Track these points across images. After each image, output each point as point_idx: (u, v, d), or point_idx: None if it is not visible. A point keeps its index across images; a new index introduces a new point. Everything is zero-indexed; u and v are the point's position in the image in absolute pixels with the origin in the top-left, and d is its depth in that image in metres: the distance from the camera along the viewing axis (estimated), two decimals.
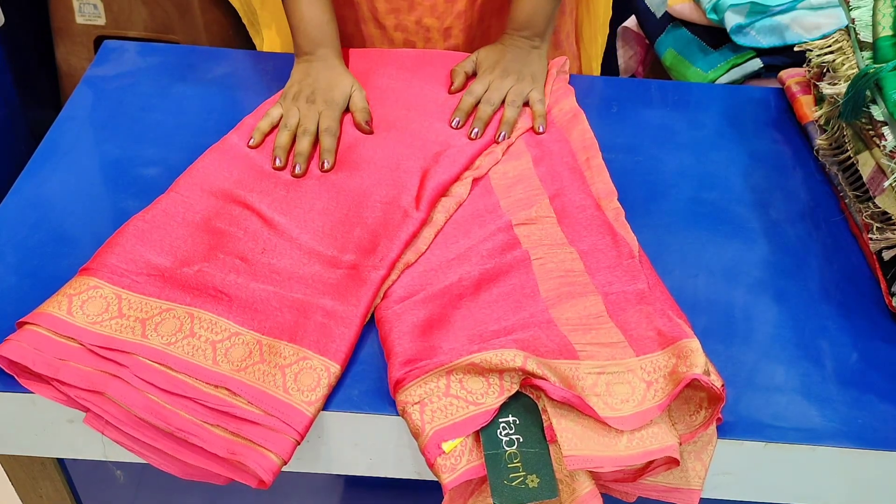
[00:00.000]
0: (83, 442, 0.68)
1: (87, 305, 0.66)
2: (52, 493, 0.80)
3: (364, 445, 0.67)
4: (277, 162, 0.83)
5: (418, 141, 0.87)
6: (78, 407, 0.63)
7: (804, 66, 0.97)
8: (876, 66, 0.76)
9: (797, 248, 0.81)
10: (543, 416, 0.62)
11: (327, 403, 0.64)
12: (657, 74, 1.43)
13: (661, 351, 0.65)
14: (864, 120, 0.77)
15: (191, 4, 1.64)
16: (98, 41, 1.71)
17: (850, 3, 0.86)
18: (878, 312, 0.75)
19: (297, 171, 0.82)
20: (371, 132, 0.88)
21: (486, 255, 0.75)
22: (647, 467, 0.62)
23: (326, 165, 0.83)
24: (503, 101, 0.92)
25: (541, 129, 0.90)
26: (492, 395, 0.63)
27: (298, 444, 0.61)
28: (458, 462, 0.60)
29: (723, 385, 0.65)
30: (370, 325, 0.70)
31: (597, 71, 1.18)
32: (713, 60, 1.23)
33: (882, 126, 0.74)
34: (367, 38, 1.04)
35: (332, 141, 0.85)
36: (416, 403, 0.62)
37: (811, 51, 0.93)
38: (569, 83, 0.99)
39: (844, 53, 0.86)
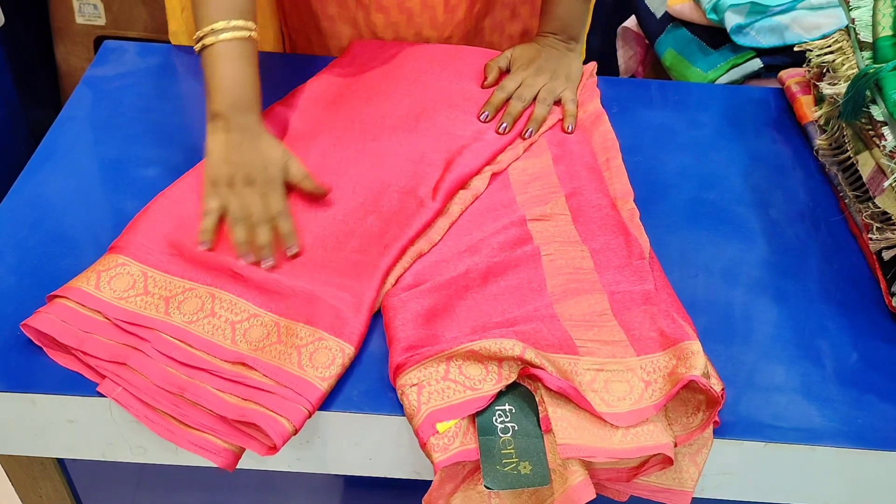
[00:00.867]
0: (83, 442, 0.68)
1: (114, 281, 0.69)
2: (52, 493, 0.80)
3: (364, 445, 0.67)
4: (248, 259, 0.72)
5: (444, 135, 0.87)
6: (97, 378, 0.65)
7: (804, 66, 0.97)
8: (876, 66, 0.76)
9: (797, 248, 0.81)
10: (540, 407, 0.63)
11: (327, 403, 0.64)
12: (657, 74, 1.43)
13: (662, 352, 0.65)
14: (864, 120, 0.77)
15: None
16: (98, 41, 1.71)
17: (850, 3, 0.86)
18: (878, 312, 0.75)
19: (270, 264, 0.72)
20: (326, 193, 0.79)
21: (497, 248, 0.75)
22: (642, 466, 0.63)
23: (295, 250, 0.74)
24: (534, 98, 0.92)
25: (570, 129, 0.90)
26: (489, 381, 0.63)
27: (310, 415, 0.62)
28: (450, 443, 0.60)
29: (723, 389, 0.65)
30: (372, 325, 0.70)
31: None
32: (713, 60, 1.23)
33: (882, 126, 0.74)
34: None
35: (290, 223, 0.75)
36: (413, 385, 0.63)
37: (811, 51, 0.93)
38: (596, 86, 0.99)
39: (844, 53, 0.86)
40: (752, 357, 0.70)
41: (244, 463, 0.66)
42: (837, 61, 0.86)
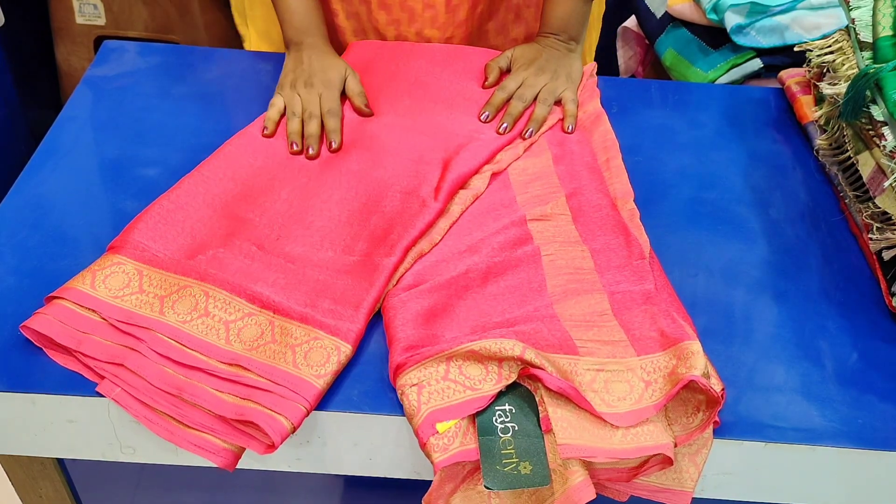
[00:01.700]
0: (83, 442, 0.68)
1: (109, 280, 0.69)
2: (52, 493, 0.80)
3: (364, 445, 0.67)
4: (294, 147, 0.85)
5: (443, 133, 0.88)
6: (97, 378, 0.65)
7: (804, 66, 0.97)
8: (876, 66, 0.76)
9: (797, 248, 0.81)
10: (540, 407, 0.63)
11: (327, 403, 0.64)
12: (657, 74, 1.43)
13: (663, 352, 0.65)
14: (864, 120, 0.77)
15: (191, 4, 1.64)
16: (98, 41, 1.71)
17: (850, 3, 0.86)
18: (878, 312, 0.75)
19: (311, 153, 0.85)
20: (371, 114, 0.90)
21: (497, 248, 0.75)
22: (642, 466, 0.63)
23: (334, 145, 0.86)
24: (535, 99, 0.92)
25: (570, 129, 0.90)
26: (489, 381, 0.63)
27: (308, 413, 0.62)
28: (450, 443, 0.60)
29: (723, 389, 0.65)
30: (372, 325, 0.70)
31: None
32: (713, 60, 1.23)
33: (882, 126, 0.74)
34: None
35: (336, 121, 0.87)
36: (413, 385, 0.63)
37: (811, 51, 0.93)
38: (596, 86, 0.99)
39: (844, 53, 0.86)
40: (752, 357, 0.70)
41: (244, 463, 0.66)
42: (837, 61, 0.86)
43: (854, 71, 0.82)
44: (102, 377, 0.64)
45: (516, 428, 0.61)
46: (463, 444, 0.60)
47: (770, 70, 1.18)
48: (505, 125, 0.89)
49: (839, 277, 0.78)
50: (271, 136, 0.87)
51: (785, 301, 0.75)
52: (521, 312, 0.69)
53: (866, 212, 0.77)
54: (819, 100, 0.93)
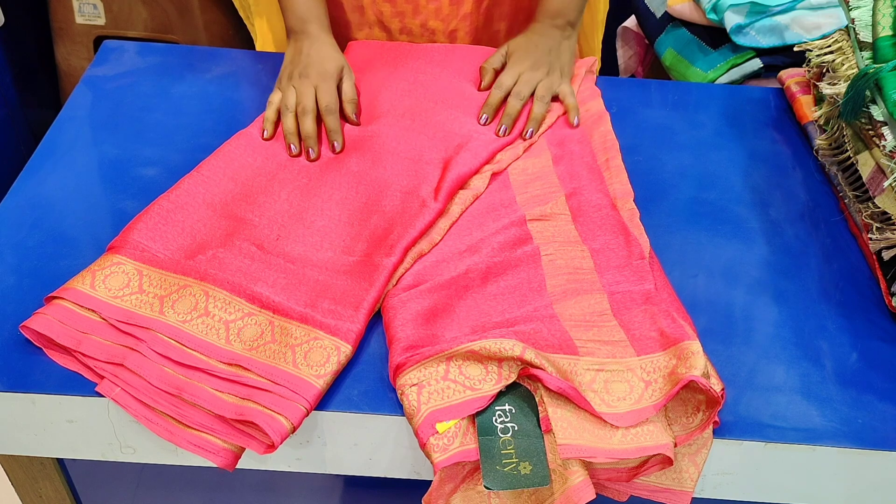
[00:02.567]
0: (83, 442, 0.68)
1: (109, 280, 0.69)
2: (52, 493, 0.80)
3: (363, 445, 0.67)
4: (293, 149, 0.85)
5: (441, 133, 0.87)
6: (96, 378, 0.65)
7: (804, 66, 0.97)
8: (876, 66, 0.76)
9: (797, 248, 0.81)
10: (540, 407, 0.63)
11: (327, 403, 0.64)
12: (657, 74, 1.43)
13: (663, 352, 0.65)
14: (863, 120, 0.77)
15: (191, 4, 1.64)
16: (98, 41, 1.71)
17: (850, 3, 0.86)
18: (878, 312, 0.75)
19: (311, 156, 0.84)
20: (358, 125, 0.89)
21: (497, 248, 0.75)
22: (642, 466, 0.62)
23: (337, 147, 0.85)
24: (532, 95, 0.91)
25: (575, 123, 0.90)
26: (489, 382, 0.63)
27: (308, 413, 0.62)
28: (450, 443, 0.60)
29: (723, 389, 0.65)
30: (372, 325, 0.70)
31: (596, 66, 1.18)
32: (713, 60, 1.23)
33: (882, 126, 0.74)
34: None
35: (336, 120, 0.86)
36: (413, 385, 0.63)
37: (811, 51, 0.93)
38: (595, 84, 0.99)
39: (844, 53, 0.86)
40: (752, 357, 0.70)
41: (244, 463, 0.66)
42: (837, 61, 0.86)
43: (854, 71, 0.82)
44: (102, 377, 0.64)
45: (516, 428, 0.61)
46: (463, 444, 0.60)
47: (770, 70, 1.18)
48: (504, 127, 0.88)
49: (839, 277, 0.78)
50: (270, 139, 0.86)
51: (785, 301, 0.75)
52: (520, 312, 0.69)
53: (866, 212, 0.77)
54: (819, 100, 0.93)
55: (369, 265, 0.72)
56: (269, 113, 0.88)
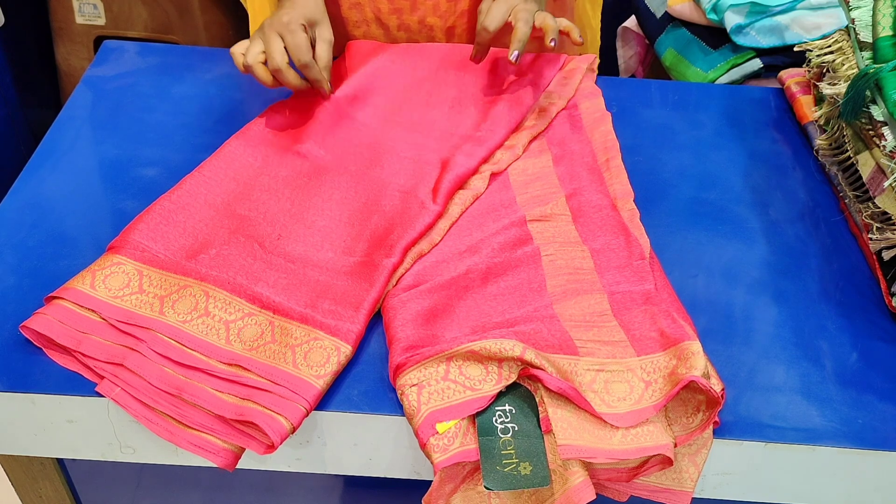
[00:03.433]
0: (83, 442, 0.68)
1: (109, 280, 0.69)
2: (52, 493, 0.80)
3: (363, 445, 0.67)
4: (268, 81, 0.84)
5: (438, 132, 0.88)
6: (96, 378, 0.65)
7: (804, 66, 0.97)
8: (876, 66, 0.76)
9: (797, 248, 0.81)
10: (540, 407, 0.63)
11: (327, 403, 0.64)
12: (657, 74, 1.43)
13: (663, 352, 0.65)
14: (863, 120, 0.77)
15: (190, 4, 1.64)
16: (98, 41, 1.71)
17: (850, 3, 0.86)
18: (878, 312, 0.75)
19: (326, 90, 0.88)
20: (330, 95, 0.89)
21: (497, 248, 0.75)
22: (642, 466, 0.62)
23: (326, 90, 0.88)
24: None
25: (553, 44, 0.85)
26: (490, 382, 0.63)
27: (308, 413, 0.62)
28: (450, 443, 0.60)
29: (723, 389, 0.65)
30: (372, 325, 0.70)
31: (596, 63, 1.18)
32: (713, 60, 1.23)
33: (882, 126, 0.74)
34: (370, 39, 1.05)
35: (316, 70, 0.85)
36: (413, 385, 0.63)
37: (811, 51, 0.93)
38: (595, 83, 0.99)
39: (844, 53, 0.86)
40: (752, 357, 0.70)
41: (244, 463, 0.66)
42: (837, 61, 0.86)
43: (854, 71, 0.82)
44: (102, 377, 0.64)
45: (516, 428, 0.61)
46: (463, 444, 0.60)
47: (770, 70, 1.18)
48: (516, 52, 0.83)
49: (839, 277, 0.78)
50: (243, 72, 0.85)
51: (785, 301, 0.75)
52: (521, 313, 0.69)
53: (866, 212, 0.77)
54: (819, 100, 0.93)
55: (369, 265, 0.72)
56: (238, 60, 0.85)
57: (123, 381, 0.63)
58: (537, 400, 0.63)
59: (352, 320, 0.68)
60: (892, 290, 0.74)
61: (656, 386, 0.63)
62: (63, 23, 1.70)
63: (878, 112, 0.75)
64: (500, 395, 0.63)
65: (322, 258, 0.74)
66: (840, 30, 0.90)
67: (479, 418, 0.62)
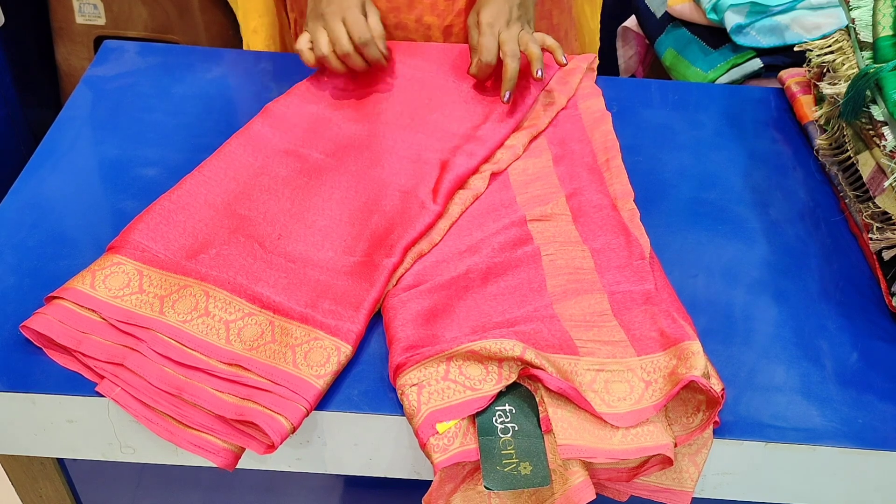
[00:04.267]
0: (83, 442, 0.68)
1: (109, 280, 0.69)
2: (52, 493, 0.80)
3: (364, 445, 0.67)
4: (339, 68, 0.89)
5: (439, 132, 0.88)
6: (96, 378, 0.65)
7: (804, 66, 0.97)
8: (876, 66, 0.76)
9: (797, 248, 0.81)
10: (540, 407, 0.63)
11: (327, 403, 0.64)
12: (657, 74, 1.43)
13: (663, 352, 0.65)
14: (864, 120, 0.77)
15: (190, 4, 1.64)
16: (98, 41, 1.71)
17: (850, 3, 0.86)
18: (878, 312, 0.75)
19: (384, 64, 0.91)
20: (387, 62, 0.92)
21: (498, 248, 0.75)
22: (642, 466, 0.62)
23: (384, 62, 0.91)
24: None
25: (539, 74, 0.88)
26: (490, 382, 0.63)
27: (308, 413, 0.62)
28: (450, 443, 0.60)
29: (723, 389, 0.65)
30: (372, 325, 0.70)
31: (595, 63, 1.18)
32: (713, 60, 1.24)
33: (882, 126, 0.74)
34: None
35: (374, 49, 0.89)
36: (413, 385, 0.63)
37: (811, 51, 0.93)
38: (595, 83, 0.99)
39: (844, 53, 0.86)
40: (752, 357, 0.70)
41: (244, 463, 0.66)
42: (837, 61, 0.86)
43: (854, 71, 0.82)
44: (102, 377, 0.64)
45: (516, 428, 0.61)
46: (463, 444, 0.60)
47: (770, 70, 1.18)
48: (508, 93, 0.88)
49: (839, 277, 0.78)
50: (315, 66, 0.90)
51: (785, 301, 0.75)
52: (521, 312, 0.69)
53: (866, 212, 0.77)
54: (819, 100, 0.93)
55: (370, 265, 0.72)
56: (308, 58, 0.89)
57: (123, 381, 0.63)
58: (537, 400, 0.63)
59: (352, 320, 0.68)
60: (892, 290, 0.74)
61: (656, 386, 0.63)
62: (63, 23, 1.70)
63: (878, 112, 0.75)
64: (500, 395, 0.63)
65: (322, 258, 0.74)
66: (840, 30, 0.90)
67: (479, 418, 0.62)
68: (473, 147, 0.85)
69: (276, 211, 0.78)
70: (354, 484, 1.30)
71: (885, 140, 0.73)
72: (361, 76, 0.95)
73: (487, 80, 0.94)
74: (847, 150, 0.82)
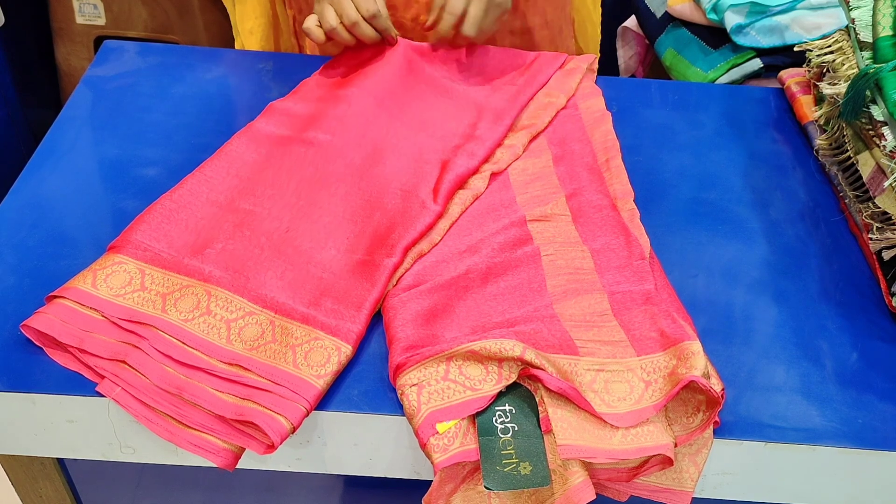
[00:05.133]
0: (83, 442, 0.68)
1: (111, 279, 0.69)
2: (52, 493, 0.80)
3: (363, 445, 0.67)
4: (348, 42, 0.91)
5: (439, 131, 0.88)
6: (96, 378, 0.65)
7: (804, 66, 0.97)
8: (876, 66, 0.76)
9: (797, 248, 0.81)
10: (540, 407, 0.63)
11: (327, 403, 0.64)
12: (657, 74, 1.43)
13: (663, 352, 0.65)
14: (864, 120, 0.77)
15: (190, 4, 1.64)
16: (98, 41, 1.71)
17: (850, 3, 0.86)
18: (878, 312, 0.75)
19: (394, 43, 0.94)
20: (395, 40, 0.95)
21: (497, 248, 0.75)
22: (642, 466, 0.62)
23: (395, 38, 0.93)
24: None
25: (469, 33, 0.90)
26: (490, 382, 0.63)
27: (308, 413, 0.62)
28: (450, 443, 0.60)
29: (723, 389, 0.65)
30: (372, 325, 0.70)
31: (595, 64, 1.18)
32: (713, 60, 1.23)
33: (882, 126, 0.74)
34: None
35: (385, 20, 0.91)
36: (413, 385, 0.63)
37: (811, 51, 0.93)
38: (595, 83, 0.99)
39: (844, 53, 0.86)
40: (752, 357, 0.70)
41: (244, 463, 0.66)
42: (837, 61, 0.86)
43: (854, 71, 0.82)
44: (102, 377, 0.64)
45: (516, 428, 0.61)
46: (463, 444, 0.60)
47: (770, 70, 1.18)
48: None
49: (839, 277, 0.78)
50: (324, 42, 0.91)
51: (785, 301, 0.75)
52: (521, 313, 0.69)
53: (866, 212, 0.77)
54: (819, 100, 0.93)
55: (371, 265, 0.72)
56: (317, 34, 0.91)
57: (124, 381, 0.63)
58: (537, 400, 0.63)
59: (353, 320, 0.68)
60: (892, 290, 0.74)
61: (656, 386, 0.63)
62: (63, 23, 1.70)
63: (878, 112, 0.75)
64: (500, 395, 0.63)
65: (326, 255, 0.74)
66: (840, 30, 0.90)
67: (479, 418, 0.62)
68: (473, 147, 0.85)
69: (281, 205, 0.78)
70: (354, 484, 1.30)
71: (885, 140, 0.73)
72: (362, 74, 0.94)
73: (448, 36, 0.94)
74: (847, 150, 0.82)
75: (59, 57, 1.76)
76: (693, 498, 0.64)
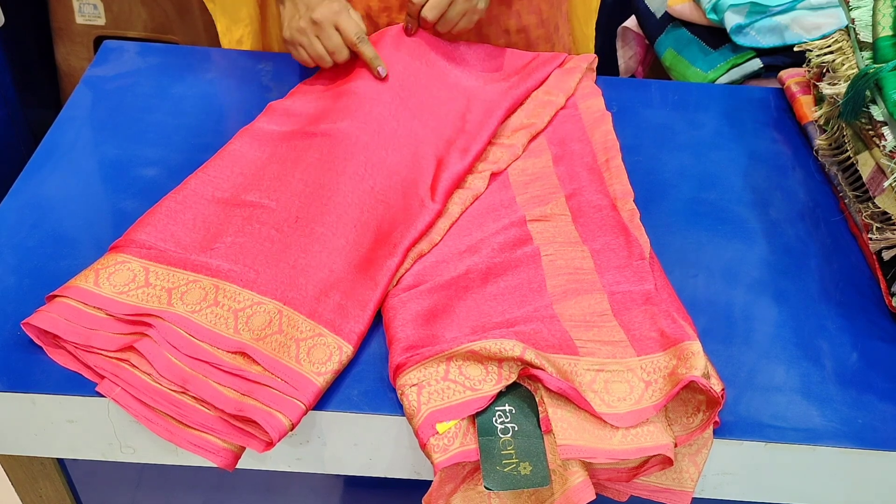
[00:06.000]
0: (83, 442, 0.68)
1: (113, 277, 0.69)
2: (52, 493, 0.80)
3: (363, 445, 0.67)
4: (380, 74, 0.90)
5: (432, 121, 0.88)
6: (96, 378, 0.65)
7: (804, 66, 0.97)
8: (876, 66, 0.76)
9: (797, 248, 0.81)
10: (540, 407, 0.63)
11: (327, 403, 0.64)
12: (657, 74, 1.43)
13: (663, 352, 0.65)
14: (863, 120, 0.77)
15: (190, 5, 1.64)
16: (98, 41, 1.71)
17: (850, 3, 0.86)
18: (878, 312, 0.75)
19: (382, 75, 0.90)
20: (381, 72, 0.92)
21: (497, 248, 0.75)
22: (642, 466, 0.62)
23: (382, 73, 0.90)
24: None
25: (429, 17, 0.91)
26: (489, 382, 0.63)
27: (307, 411, 0.62)
28: (450, 444, 0.60)
29: (723, 389, 0.65)
30: (372, 325, 0.70)
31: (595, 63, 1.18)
32: (713, 60, 1.23)
33: (882, 126, 0.74)
34: None
35: (370, 46, 0.90)
36: (413, 385, 0.63)
37: (811, 51, 0.93)
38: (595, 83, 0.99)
39: (844, 53, 0.86)
40: (752, 357, 0.70)
41: (244, 463, 0.66)
42: (837, 61, 0.86)
43: (854, 71, 0.82)
44: (102, 377, 0.64)
45: (516, 428, 0.61)
46: (463, 444, 0.60)
47: (770, 70, 1.18)
48: (410, 27, 0.94)
49: (839, 277, 0.78)
50: (329, 67, 0.92)
51: (785, 301, 0.75)
52: (521, 313, 0.69)
53: (866, 212, 0.77)
54: (819, 100, 0.93)
55: (374, 264, 0.72)
56: (304, 59, 0.92)
57: (124, 381, 0.63)
58: (537, 400, 0.63)
59: (357, 320, 0.68)
60: (892, 290, 0.74)
61: (656, 386, 0.63)
62: (63, 23, 1.70)
63: (878, 112, 0.75)
64: (500, 395, 0.63)
65: (336, 243, 0.73)
66: (840, 30, 0.90)
67: (479, 418, 0.62)
68: (465, 142, 0.85)
69: (289, 195, 0.77)
70: (354, 484, 1.30)
71: (885, 140, 0.73)
72: (361, 73, 0.94)
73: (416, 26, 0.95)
74: (847, 151, 0.82)
75: (59, 57, 1.76)
76: (693, 498, 0.64)
